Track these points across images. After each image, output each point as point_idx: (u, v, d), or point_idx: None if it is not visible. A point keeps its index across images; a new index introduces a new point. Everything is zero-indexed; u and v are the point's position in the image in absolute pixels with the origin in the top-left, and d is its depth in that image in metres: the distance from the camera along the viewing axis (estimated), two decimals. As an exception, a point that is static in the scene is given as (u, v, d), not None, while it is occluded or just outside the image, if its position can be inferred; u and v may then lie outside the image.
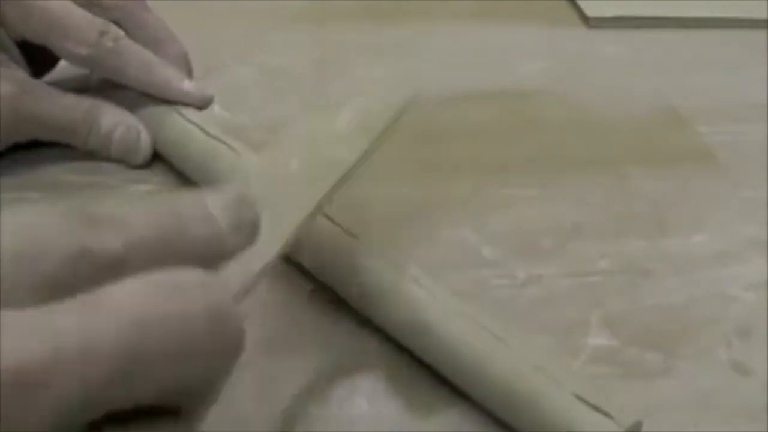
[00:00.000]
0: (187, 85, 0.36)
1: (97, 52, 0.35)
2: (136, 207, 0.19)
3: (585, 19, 0.54)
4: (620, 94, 0.46)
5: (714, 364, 0.30)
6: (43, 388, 0.14)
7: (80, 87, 0.37)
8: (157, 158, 0.37)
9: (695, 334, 0.31)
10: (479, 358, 0.26)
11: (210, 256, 0.19)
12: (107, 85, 0.37)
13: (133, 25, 0.37)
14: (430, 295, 0.28)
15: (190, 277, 0.17)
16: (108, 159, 0.36)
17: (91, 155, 0.37)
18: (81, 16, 0.35)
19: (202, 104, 0.36)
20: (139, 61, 0.36)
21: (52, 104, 0.35)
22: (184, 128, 0.35)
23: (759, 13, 0.56)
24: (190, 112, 0.36)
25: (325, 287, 0.31)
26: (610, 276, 0.33)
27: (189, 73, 0.38)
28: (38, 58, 0.37)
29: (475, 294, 0.32)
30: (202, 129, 0.35)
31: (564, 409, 0.24)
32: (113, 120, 0.36)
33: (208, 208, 0.20)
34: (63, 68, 0.38)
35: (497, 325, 0.27)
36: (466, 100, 0.44)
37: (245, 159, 0.31)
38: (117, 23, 0.36)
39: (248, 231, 0.21)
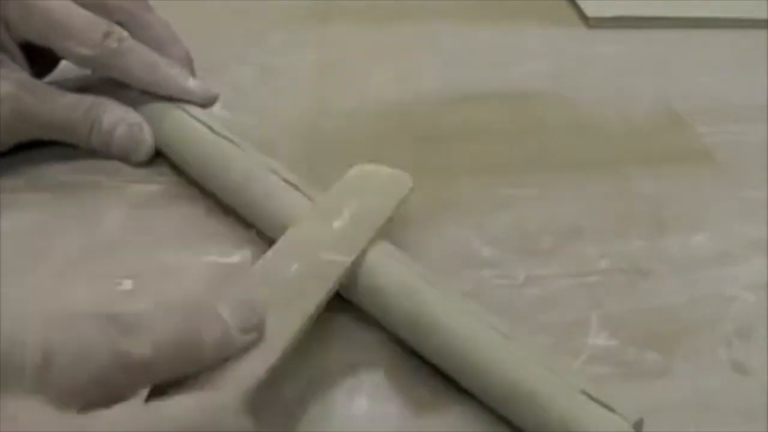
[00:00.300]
0: (192, 84, 0.36)
1: (101, 53, 0.35)
2: (158, 311, 0.22)
3: (585, 19, 0.54)
4: (620, 95, 0.46)
5: (714, 364, 0.30)
6: None
7: (82, 87, 0.37)
8: (158, 157, 0.37)
9: (695, 334, 0.31)
10: (485, 354, 0.26)
11: (220, 354, 0.23)
12: (108, 84, 0.37)
13: (137, 25, 0.37)
14: (436, 291, 0.28)
15: (221, 400, 0.21)
16: (110, 157, 0.36)
17: (92, 155, 0.37)
18: (84, 17, 0.35)
19: (207, 102, 0.36)
20: (143, 61, 0.36)
21: (54, 104, 0.35)
22: (189, 126, 0.35)
23: (759, 13, 0.56)
24: (194, 110, 0.36)
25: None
26: (610, 276, 0.33)
27: (192, 73, 0.38)
28: (39, 59, 0.37)
29: (475, 294, 0.32)
30: (208, 126, 0.35)
31: (571, 405, 0.24)
32: (115, 117, 0.36)
33: (219, 312, 0.23)
34: (64, 68, 0.38)
35: (502, 323, 0.27)
36: (466, 100, 0.44)
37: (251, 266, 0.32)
38: (120, 24, 0.36)
39: (254, 332, 0.24)
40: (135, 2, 0.37)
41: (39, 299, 0.30)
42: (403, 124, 0.42)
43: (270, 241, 0.32)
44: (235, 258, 0.32)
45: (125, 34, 0.35)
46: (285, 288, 0.26)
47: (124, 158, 0.36)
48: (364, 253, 0.29)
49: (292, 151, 0.38)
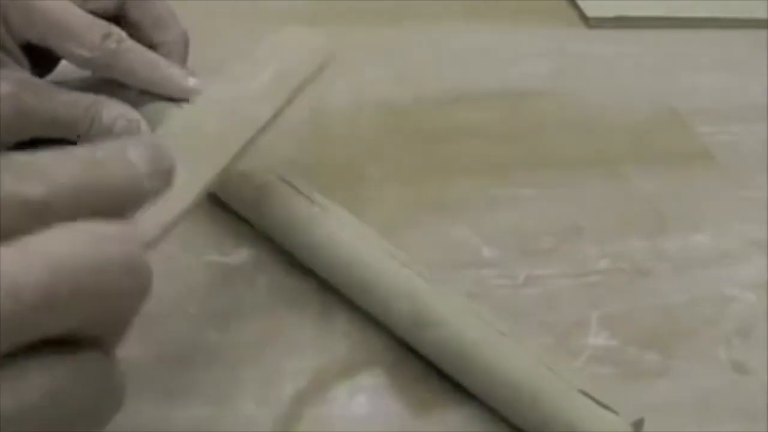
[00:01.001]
0: (192, 83, 0.36)
1: (100, 54, 0.35)
2: (59, 154, 0.20)
3: (585, 19, 0.54)
4: (620, 94, 0.46)
5: (714, 364, 0.30)
6: None
7: (81, 87, 0.37)
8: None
9: (695, 334, 0.31)
10: (484, 353, 0.26)
11: (129, 200, 0.21)
12: (108, 85, 0.37)
13: (136, 6, 0.37)
14: (436, 290, 0.28)
15: (108, 228, 0.19)
16: None
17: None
18: (84, 18, 0.35)
19: None
20: (143, 61, 0.36)
21: (53, 101, 0.35)
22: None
23: (759, 13, 0.56)
24: None
25: (326, 286, 0.31)
26: (610, 276, 0.33)
27: (186, 53, 0.38)
28: (40, 60, 0.37)
29: (475, 294, 0.32)
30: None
31: (570, 405, 0.24)
32: (114, 113, 0.36)
33: (127, 155, 0.21)
34: (64, 68, 0.38)
35: (502, 323, 0.27)
36: (466, 100, 0.44)
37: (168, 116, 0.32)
38: (120, 5, 0.36)
39: (164, 177, 0.22)
40: None
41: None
42: (403, 124, 0.42)
43: (270, 241, 0.32)
44: (235, 258, 0.32)
45: (124, 34, 0.36)
46: (200, 140, 0.26)
47: None
48: (280, 112, 0.29)
49: (292, 151, 0.38)
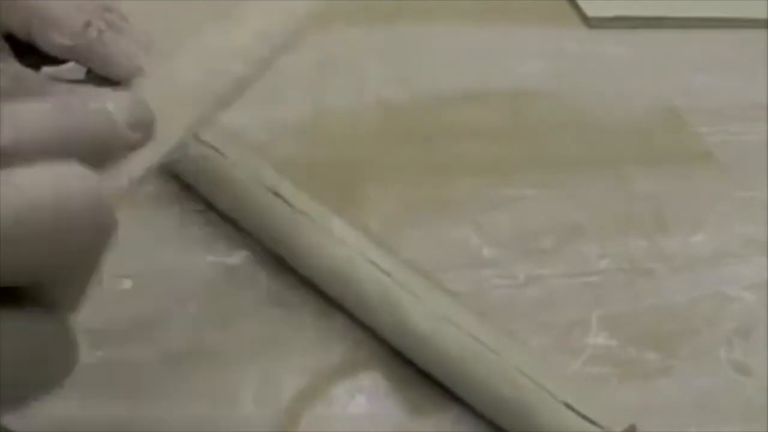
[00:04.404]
0: None
1: (80, 43, 0.35)
2: (34, 101, 0.20)
3: (585, 19, 0.54)
4: (620, 94, 0.46)
5: (714, 364, 0.30)
6: None
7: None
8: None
9: (695, 334, 0.31)
10: (470, 370, 0.26)
11: (106, 150, 0.22)
12: (97, 80, 0.37)
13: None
14: (418, 304, 0.28)
15: (71, 167, 0.19)
16: None
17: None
18: (65, 6, 0.35)
19: None
20: (123, 52, 0.36)
21: (46, 95, 0.35)
22: None
23: (759, 13, 0.56)
24: None
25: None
26: (610, 276, 0.33)
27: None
28: (24, 54, 0.37)
29: (475, 294, 0.32)
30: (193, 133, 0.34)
31: (553, 418, 0.24)
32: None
33: (105, 105, 0.22)
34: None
35: (490, 334, 0.27)
36: (466, 99, 0.44)
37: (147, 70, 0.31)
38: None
39: (144, 130, 0.23)
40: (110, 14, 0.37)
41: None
42: (403, 124, 0.42)
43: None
44: (235, 258, 0.32)
45: (104, 24, 0.36)
46: (179, 93, 0.26)
47: None
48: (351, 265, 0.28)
49: (292, 152, 0.38)
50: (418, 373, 0.28)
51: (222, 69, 0.28)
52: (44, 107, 0.20)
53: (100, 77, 0.37)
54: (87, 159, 0.20)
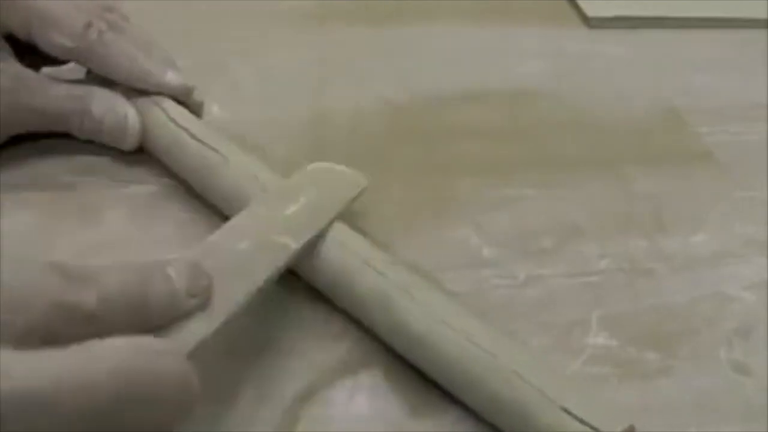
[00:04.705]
0: (170, 76, 0.36)
1: (81, 44, 0.35)
2: (107, 267, 0.22)
3: (585, 19, 0.54)
4: (620, 94, 0.46)
5: (714, 364, 0.30)
6: (45, 415, 0.18)
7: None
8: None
9: (695, 334, 0.31)
10: (466, 372, 0.26)
11: (167, 314, 0.23)
12: (95, 83, 0.37)
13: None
14: (413, 306, 0.27)
15: (158, 344, 0.21)
16: (105, 145, 0.36)
17: (92, 155, 0.37)
18: (66, 7, 0.35)
19: (184, 95, 0.36)
20: (123, 54, 0.36)
21: (46, 95, 0.35)
22: (171, 131, 0.35)
23: (759, 13, 0.56)
24: (178, 113, 0.36)
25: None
26: (610, 276, 0.33)
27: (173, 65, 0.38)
28: (24, 54, 0.37)
29: (475, 294, 0.32)
30: (189, 133, 0.34)
31: (550, 422, 0.24)
32: (104, 107, 0.36)
33: (168, 272, 0.23)
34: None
35: (488, 335, 0.27)
36: (466, 99, 0.44)
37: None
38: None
39: (202, 296, 0.24)
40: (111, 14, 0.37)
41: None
42: (403, 124, 0.42)
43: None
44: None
45: (104, 25, 0.36)
46: (234, 261, 0.27)
47: (115, 145, 0.36)
48: (318, 240, 0.29)
49: (292, 152, 0.38)
50: (418, 373, 0.28)
51: (275, 241, 0.28)
52: (120, 272, 0.22)
53: (100, 78, 0.37)
54: (148, 321, 0.22)
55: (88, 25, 0.35)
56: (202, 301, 0.24)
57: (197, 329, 0.24)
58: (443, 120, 0.42)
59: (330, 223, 0.30)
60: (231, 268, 0.26)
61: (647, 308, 0.32)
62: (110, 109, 0.36)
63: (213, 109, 0.38)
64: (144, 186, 0.36)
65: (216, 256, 0.27)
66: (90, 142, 0.37)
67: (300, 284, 0.31)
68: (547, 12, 0.54)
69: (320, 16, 0.51)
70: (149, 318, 0.23)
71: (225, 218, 0.34)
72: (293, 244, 0.28)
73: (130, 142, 0.36)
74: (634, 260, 0.34)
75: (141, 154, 0.37)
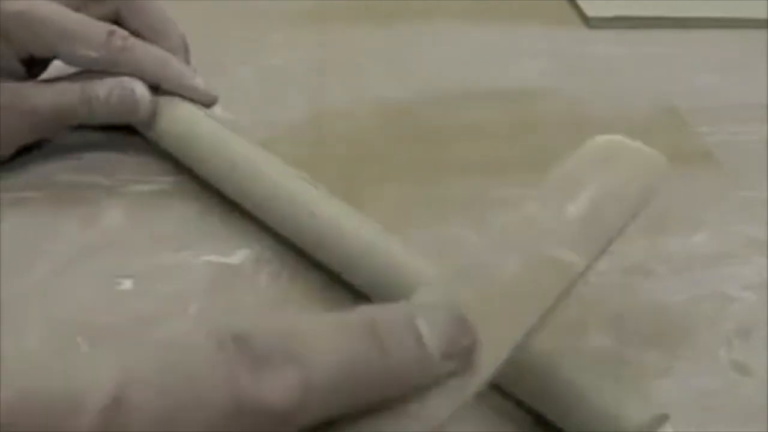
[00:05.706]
0: (199, 82, 0.37)
1: (107, 53, 0.35)
2: (322, 325, 0.15)
3: (585, 19, 0.54)
4: (620, 94, 0.46)
5: (714, 364, 0.30)
6: None
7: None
8: (158, 157, 0.37)
9: (695, 334, 0.31)
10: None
11: (414, 383, 0.17)
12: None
13: (131, 12, 0.37)
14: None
15: None
16: (105, 145, 0.36)
17: (92, 154, 0.37)
18: (83, 19, 0.35)
19: (210, 102, 0.37)
20: (152, 57, 0.36)
21: (45, 96, 0.35)
22: (196, 116, 0.36)
23: (759, 13, 0.56)
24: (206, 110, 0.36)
25: (327, 285, 0.31)
26: (610, 276, 0.33)
27: (187, 58, 0.38)
28: (32, 65, 0.37)
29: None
30: (213, 118, 0.35)
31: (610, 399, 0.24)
32: (108, 86, 0.36)
33: (417, 329, 0.17)
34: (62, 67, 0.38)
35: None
36: (466, 99, 0.44)
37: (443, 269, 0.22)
38: (116, 12, 0.36)
39: (462, 359, 0.17)
40: None
41: (39, 299, 0.30)
42: (403, 124, 0.42)
43: (271, 241, 0.32)
44: (235, 258, 0.32)
45: (126, 32, 0.36)
46: (501, 289, 0.19)
47: (128, 120, 0.36)
48: (598, 256, 0.21)
49: (292, 151, 0.38)
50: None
51: (552, 256, 0.20)
52: (337, 334, 0.15)
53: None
54: (389, 393, 0.16)
55: (111, 33, 0.35)
56: (462, 366, 0.17)
57: (450, 400, 0.17)
58: (443, 120, 0.42)
59: (625, 228, 0.21)
60: (497, 301, 0.19)
61: (647, 308, 0.32)
62: (116, 85, 0.36)
63: (214, 109, 0.37)
64: (144, 185, 0.36)
65: (476, 284, 0.19)
66: (90, 142, 0.37)
67: (301, 284, 0.31)
68: (547, 12, 0.54)
69: (320, 16, 0.51)
70: (378, 398, 0.16)
71: (227, 216, 0.34)
72: (578, 261, 0.21)
73: (143, 111, 0.36)
74: (634, 260, 0.34)
75: (141, 154, 0.37)
